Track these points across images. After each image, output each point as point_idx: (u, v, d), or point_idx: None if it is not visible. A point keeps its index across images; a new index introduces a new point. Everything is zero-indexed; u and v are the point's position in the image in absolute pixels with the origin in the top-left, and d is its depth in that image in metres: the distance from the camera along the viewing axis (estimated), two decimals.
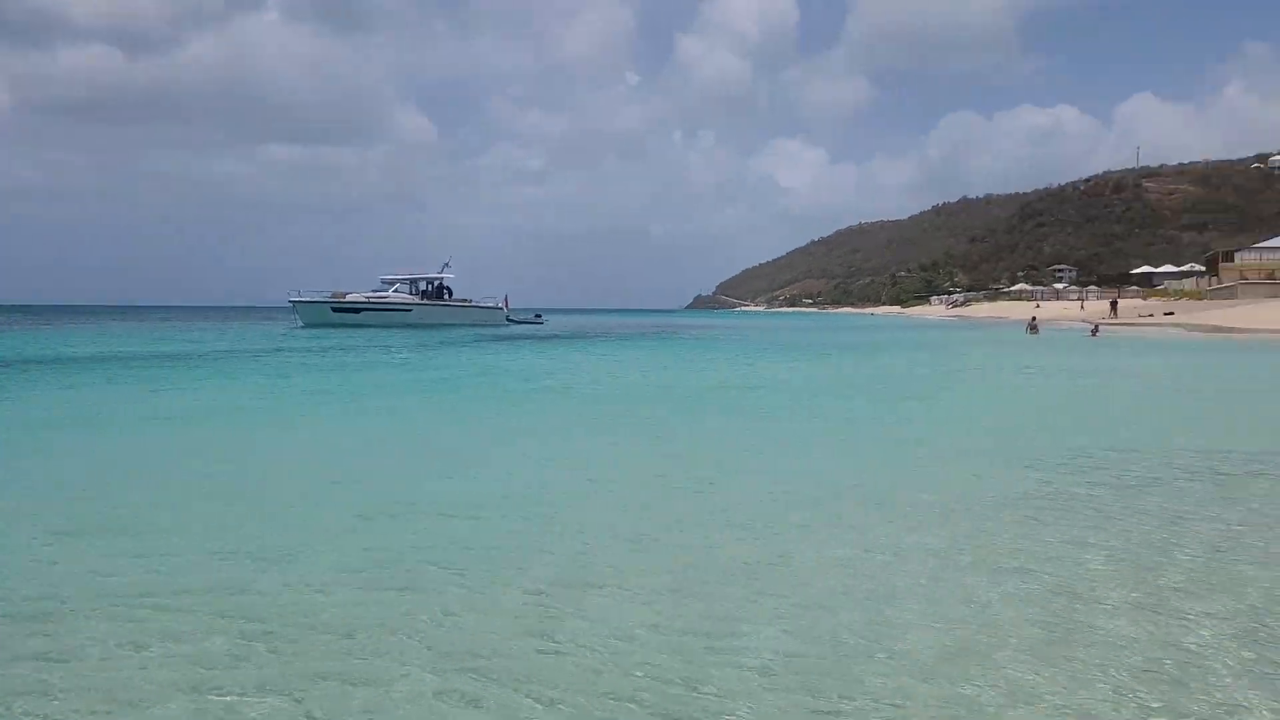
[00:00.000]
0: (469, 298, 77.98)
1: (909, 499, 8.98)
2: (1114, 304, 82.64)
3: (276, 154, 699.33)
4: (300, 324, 68.61)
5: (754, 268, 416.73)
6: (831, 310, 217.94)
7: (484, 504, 8.86)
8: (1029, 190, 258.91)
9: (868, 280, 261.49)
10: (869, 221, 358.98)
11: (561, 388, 22.88)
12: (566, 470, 11.10)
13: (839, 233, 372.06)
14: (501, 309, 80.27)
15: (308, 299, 69.40)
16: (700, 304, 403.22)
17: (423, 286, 75.19)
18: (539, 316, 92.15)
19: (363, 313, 69.71)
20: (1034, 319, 60.02)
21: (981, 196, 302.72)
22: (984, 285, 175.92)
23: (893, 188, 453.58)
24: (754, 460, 11.80)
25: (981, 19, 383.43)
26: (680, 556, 7.00)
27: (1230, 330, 52.92)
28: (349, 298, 70.77)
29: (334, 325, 66.30)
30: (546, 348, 43.74)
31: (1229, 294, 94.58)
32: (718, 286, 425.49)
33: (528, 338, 55.47)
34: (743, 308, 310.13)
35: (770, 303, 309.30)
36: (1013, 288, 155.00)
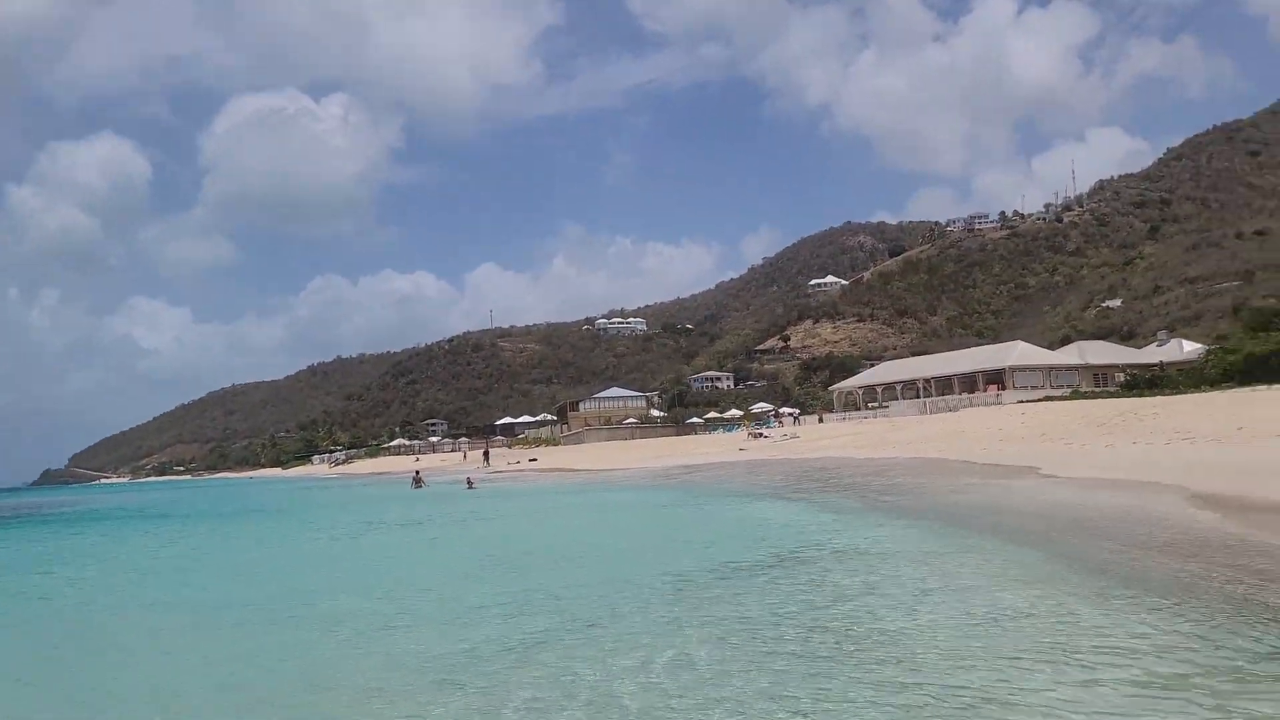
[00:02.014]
0: None
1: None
2: (486, 454, 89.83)
3: None
4: None
5: (115, 435, 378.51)
6: (208, 475, 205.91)
7: None
8: (399, 349, 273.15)
9: (245, 442, 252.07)
10: (243, 382, 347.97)
11: None
12: None
13: (211, 395, 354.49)
14: None
15: None
16: (51, 478, 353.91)
17: None
18: None
19: None
20: (417, 474, 63.37)
21: (355, 355, 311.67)
22: (364, 442, 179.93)
23: (265, 347, 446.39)
24: None
25: (340, 188, 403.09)
26: None
27: (583, 470, 61.16)
28: None
29: None
30: None
31: (578, 438, 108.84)
32: (71, 458, 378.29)
33: None
34: (104, 479, 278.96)
35: (136, 472, 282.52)
36: (392, 443, 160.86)
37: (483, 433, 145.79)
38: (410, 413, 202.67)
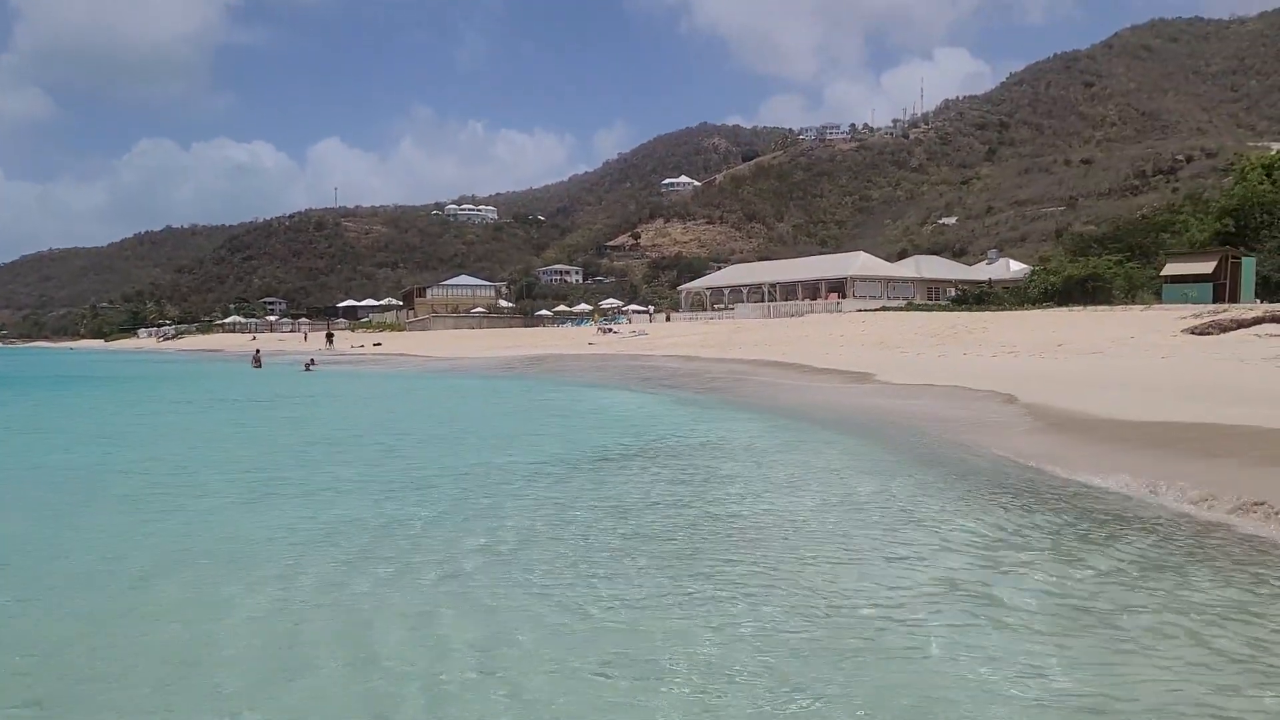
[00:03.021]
0: None
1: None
2: (329, 336, 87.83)
3: None
4: None
5: None
6: (21, 344, 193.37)
7: None
8: (235, 223, 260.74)
9: (63, 311, 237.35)
10: (61, 247, 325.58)
11: None
12: None
13: (25, 258, 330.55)
14: None
15: None
16: None
17: None
18: None
19: None
20: (257, 353, 61.60)
21: (187, 226, 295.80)
22: (196, 318, 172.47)
23: (85, 212, 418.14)
24: None
25: (170, 47, 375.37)
26: None
27: (430, 357, 60.74)
28: None
29: None
30: None
31: (424, 325, 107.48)
32: None
33: None
34: None
35: None
36: (226, 320, 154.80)
37: (323, 314, 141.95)
38: (246, 290, 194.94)
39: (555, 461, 13.87)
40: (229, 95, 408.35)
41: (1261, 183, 45.44)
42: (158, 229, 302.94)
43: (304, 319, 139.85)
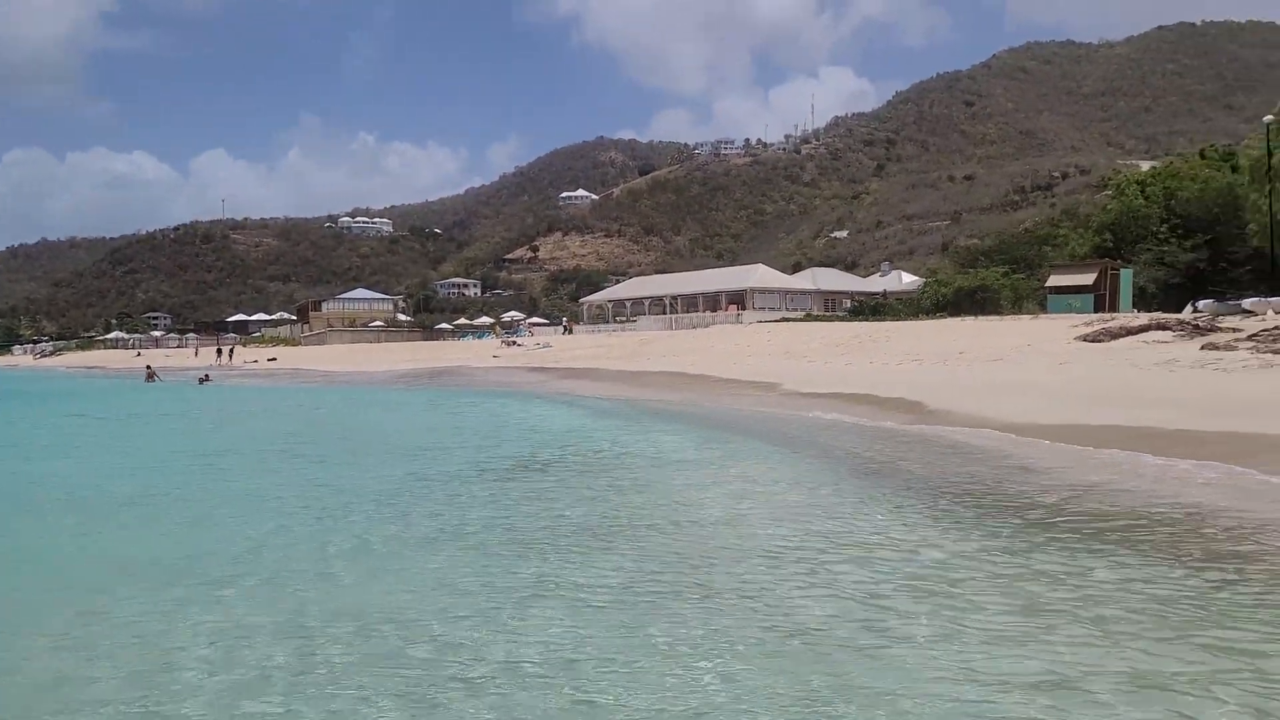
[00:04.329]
0: None
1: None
2: (225, 351, 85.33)
3: None
4: None
5: None
6: None
7: None
8: (116, 235, 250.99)
9: None
10: None
11: None
12: None
13: None
14: None
15: None
16: None
17: None
18: None
19: None
20: (149, 367, 59.65)
21: (64, 239, 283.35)
22: (75, 333, 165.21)
23: None
24: None
25: (40, 50, 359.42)
26: None
27: (328, 371, 59.56)
28: None
29: None
30: None
31: (320, 339, 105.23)
32: None
33: None
34: None
35: None
36: (109, 335, 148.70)
37: (213, 329, 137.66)
38: (129, 304, 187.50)
39: (466, 473, 13.91)
40: (106, 103, 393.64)
41: (1136, 198, 48.00)
42: (32, 242, 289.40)
43: (192, 334, 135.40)
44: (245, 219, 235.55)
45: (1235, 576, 6.95)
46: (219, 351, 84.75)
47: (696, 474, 13.06)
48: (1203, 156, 52.77)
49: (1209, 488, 9.91)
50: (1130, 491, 9.99)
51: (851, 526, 9.21)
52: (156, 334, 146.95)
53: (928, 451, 13.77)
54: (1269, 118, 35.42)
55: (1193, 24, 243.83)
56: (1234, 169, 45.74)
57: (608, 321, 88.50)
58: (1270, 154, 33.50)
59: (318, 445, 19.11)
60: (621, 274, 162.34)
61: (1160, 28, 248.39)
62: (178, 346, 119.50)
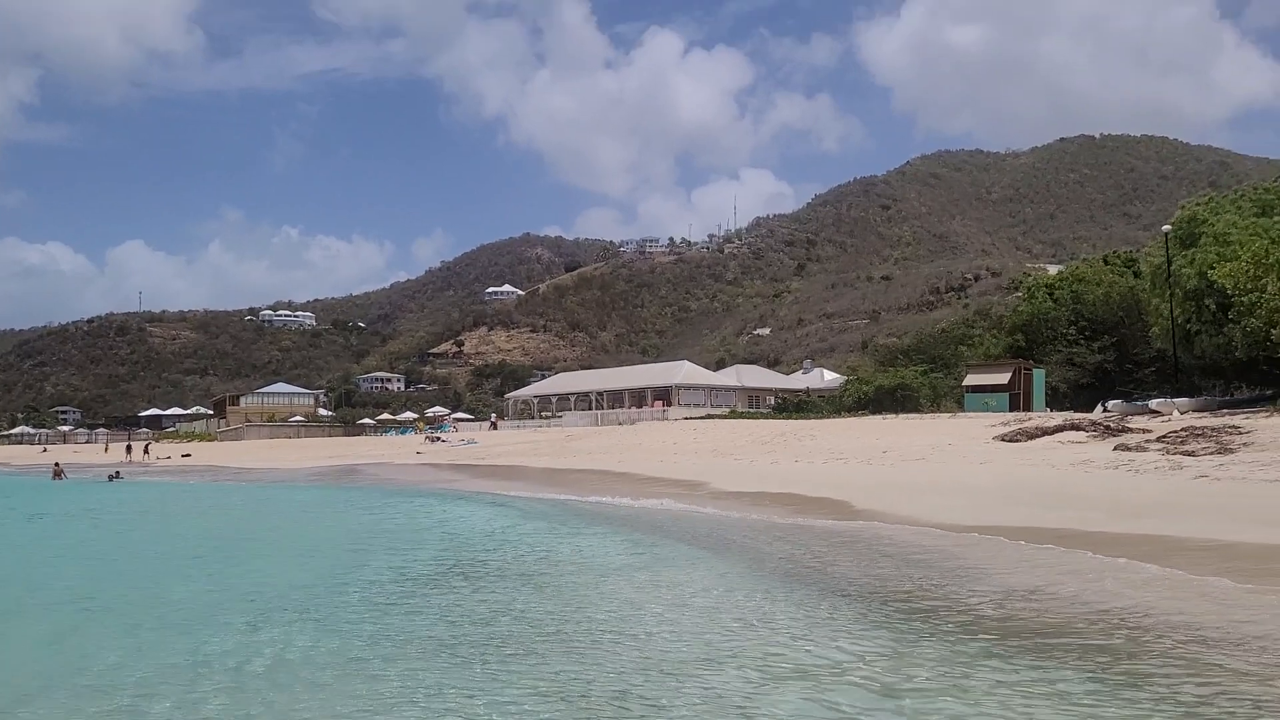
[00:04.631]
0: None
1: None
2: (136, 447, 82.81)
3: None
4: None
5: None
6: None
7: None
8: (25, 327, 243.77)
9: None
10: None
11: None
12: None
13: None
14: None
15: None
16: None
17: None
18: None
19: None
20: (57, 464, 57.44)
21: None
22: None
23: None
24: None
25: None
26: None
27: (243, 468, 57.93)
28: None
29: None
30: None
31: (237, 435, 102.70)
32: None
33: None
34: None
35: None
36: (13, 430, 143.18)
37: (124, 424, 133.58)
38: (37, 398, 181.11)
39: (382, 580, 13.53)
40: (19, 193, 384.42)
41: (1046, 301, 49.88)
42: None
43: (103, 429, 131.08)
44: (163, 311, 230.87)
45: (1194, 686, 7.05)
46: (128, 448, 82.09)
47: (622, 582, 12.90)
48: (1106, 262, 55.19)
49: (1147, 589, 10.12)
50: (1063, 598, 10.15)
51: (785, 639, 9.17)
52: (65, 429, 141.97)
53: (857, 554, 13.85)
54: (1167, 227, 37.34)
55: (1092, 136, 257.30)
56: (1136, 274, 47.96)
57: (533, 417, 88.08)
58: (1170, 262, 35.19)
59: (224, 547, 18.51)
60: (547, 369, 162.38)
61: (1062, 139, 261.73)
62: (87, 442, 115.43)
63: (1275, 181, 44.55)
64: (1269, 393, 33.16)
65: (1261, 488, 15.52)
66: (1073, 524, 12.95)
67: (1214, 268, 30.63)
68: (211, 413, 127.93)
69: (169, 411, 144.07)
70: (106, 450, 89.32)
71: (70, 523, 26.65)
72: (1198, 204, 40.62)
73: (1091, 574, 11.04)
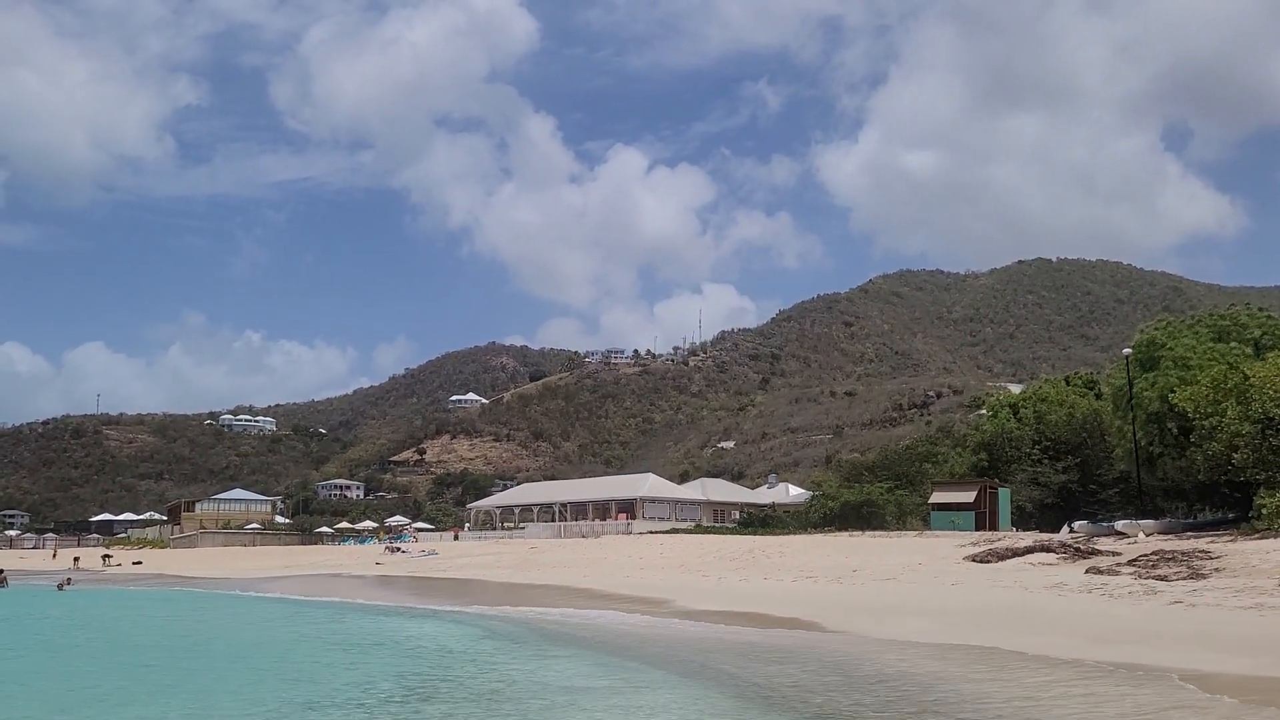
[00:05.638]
0: None
1: None
2: (76, 559, 79.99)
3: None
4: None
5: None
6: None
7: None
8: None
9: None
10: None
11: None
12: None
13: None
14: None
15: None
16: None
17: None
18: None
19: None
20: (0, 569, 55.46)
21: None
22: None
23: None
24: None
25: None
26: None
27: (195, 577, 56.17)
28: None
29: None
30: None
31: (191, 542, 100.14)
32: None
33: None
34: None
35: None
36: None
37: (74, 529, 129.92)
38: None
39: (329, 705, 12.96)
40: None
41: (1009, 420, 50.31)
42: None
43: (51, 534, 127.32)
44: (121, 414, 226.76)
45: None
46: (75, 559, 79.51)
47: (590, 707, 12.47)
48: (1067, 383, 55.99)
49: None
50: None
51: None
52: (11, 533, 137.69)
53: (829, 678, 13.50)
54: (1128, 350, 38.08)
55: (1049, 259, 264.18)
56: (1097, 395, 48.61)
57: (495, 528, 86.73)
58: (1131, 384, 35.74)
59: (165, 665, 17.73)
60: (510, 479, 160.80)
61: (1020, 262, 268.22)
62: (34, 547, 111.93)
63: (1230, 309, 45.74)
64: (1231, 515, 33.36)
65: (1237, 614, 15.43)
66: (1049, 650, 12.72)
67: (1175, 391, 31.11)
68: (165, 519, 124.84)
69: (121, 516, 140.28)
70: (55, 556, 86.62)
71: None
72: (1156, 328, 41.42)
73: (1086, 703, 10.79)
